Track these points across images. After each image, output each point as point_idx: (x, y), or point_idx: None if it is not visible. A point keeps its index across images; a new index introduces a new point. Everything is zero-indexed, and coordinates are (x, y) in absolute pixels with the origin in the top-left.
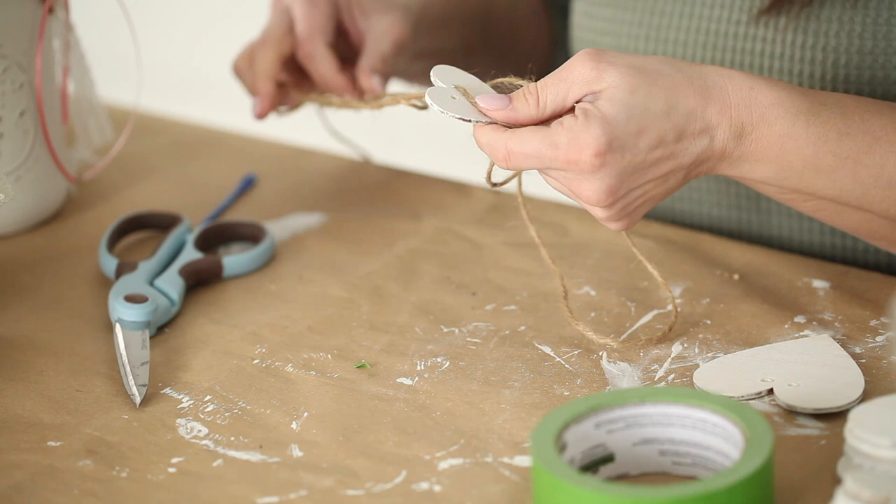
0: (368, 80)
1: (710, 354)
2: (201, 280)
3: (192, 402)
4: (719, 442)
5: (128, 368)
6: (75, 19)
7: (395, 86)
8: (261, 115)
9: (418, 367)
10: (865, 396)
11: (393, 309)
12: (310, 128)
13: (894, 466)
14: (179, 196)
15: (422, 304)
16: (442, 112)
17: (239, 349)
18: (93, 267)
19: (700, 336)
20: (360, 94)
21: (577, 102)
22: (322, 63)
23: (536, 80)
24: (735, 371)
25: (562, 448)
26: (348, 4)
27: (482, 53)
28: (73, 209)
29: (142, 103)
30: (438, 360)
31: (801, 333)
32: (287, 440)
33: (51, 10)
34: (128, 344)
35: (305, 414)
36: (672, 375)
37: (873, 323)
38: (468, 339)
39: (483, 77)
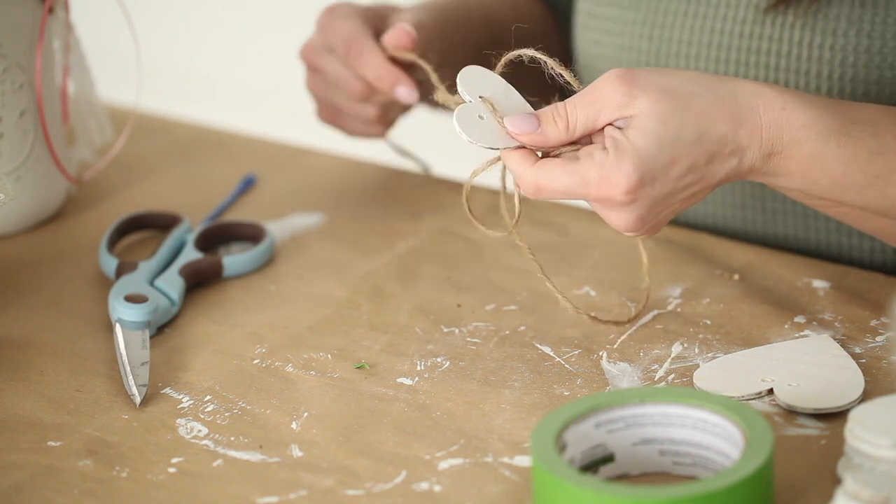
0: (398, 32)
1: (710, 354)
2: (201, 280)
3: (192, 402)
4: (719, 442)
5: (128, 368)
6: (75, 19)
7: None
8: (411, 98)
9: (418, 367)
10: (865, 396)
11: (393, 309)
12: (310, 128)
13: (894, 466)
14: (179, 196)
15: (422, 304)
16: (470, 142)
17: (239, 349)
18: (93, 267)
19: (700, 336)
20: (413, 82)
21: (606, 125)
22: (372, 56)
23: (547, 60)
24: (735, 371)
25: (562, 448)
26: (375, 14)
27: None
28: (73, 209)
29: (142, 103)
30: (438, 360)
31: (801, 333)
32: (287, 440)
33: (51, 10)
34: (128, 344)
35: (305, 414)
36: (672, 375)
37: (873, 323)
38: (468, 339)
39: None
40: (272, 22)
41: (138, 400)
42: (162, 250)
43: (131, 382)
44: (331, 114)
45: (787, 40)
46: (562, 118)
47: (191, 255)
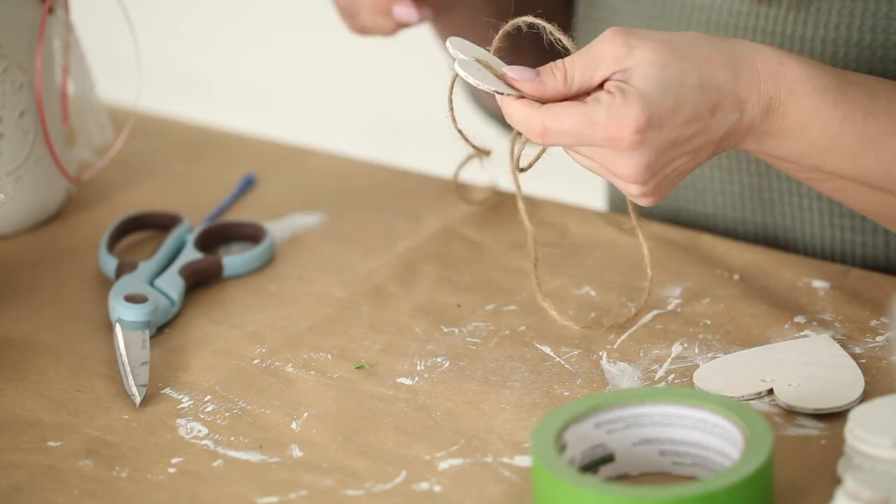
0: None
1: (710, 354)
2: (201, 280)
3: (192, 402)
4: (719, 442)
5: (128, 368)
6: (75, 19)
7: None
8: (410, 14)
9: (418, 367)
10: (865, 396)
11: (393, 309)
12: (310, 128)
13: (894, 466)
14: (179, 196)
15: (422, 304)
16: (478, 84)
17: (239, 349)
18: (93, 267)
19: (700, 336)
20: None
21: (604, 81)
22: None
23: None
24: (735, 371)
25: (562, 448)
26: None
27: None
28: (73, 209)
29: (142, 103)
30: (438, 360)
31: (801, 333)
32: (287, 440)
33: (51, 10)
34: (128, 344)
35: (305, 414)
36: (672, 375)
37: (873, 323)
38: (468, 339)
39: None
40: (272, 22)
41: (138, 400)
42: (162, 250)
43: (131, 382)
44: (356, 26)
45: (780, 34)
46: (560, 70)
47: (191, 255)
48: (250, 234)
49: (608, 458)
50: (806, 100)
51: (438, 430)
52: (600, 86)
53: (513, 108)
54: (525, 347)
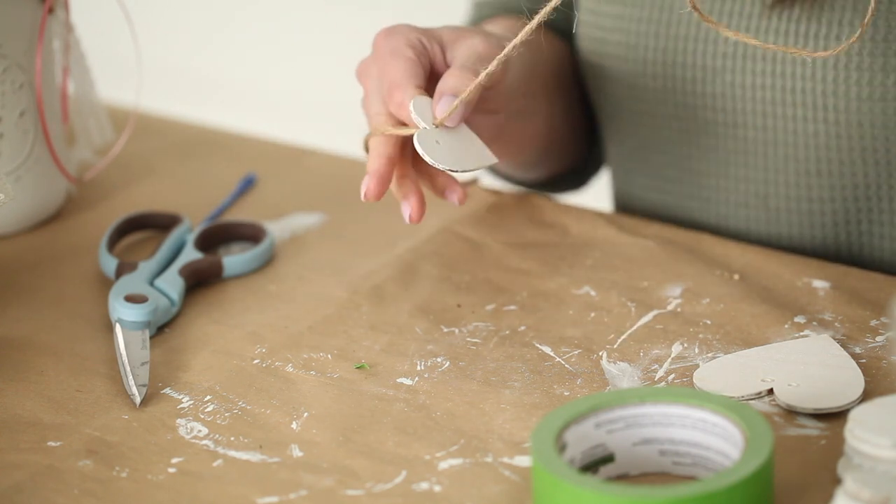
0: (449, 78)
1: (710, 354)
2: (201, 280)
3: (192, 402)
4: (719, 442)
5: (128, 368)
6: (75, 19)
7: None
8: (368, 196)
9: (418, 367)
10: (865, 396)
11: (393, 309)
12: (310, 128)
13: (894, 466)
14: (179, 196)
15: (422, 304)
16: (434, 164)
17: (239, 349)
18: (93, 267)
19: (700, 336)
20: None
21: None
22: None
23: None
24: (735, 371)
25: (562, 448)
26: (432, 44)
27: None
28: (73, 209)
29: (142, 103)
30: (438, 360)
31: (801, 333)
32: (287, 440)
33: (51, 10)
34: (128, 344)
35: (305, 414)
36: (672, 375)
37: (873, 323)
38: (468, 339)
39: None
40: (273, 22)
41: (138, 400)
42: (162, 250)
43: (131, 382)
44: None
45: (794, 33)
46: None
47: (191, 255)
48: (250, 234)
49: (608, 458)
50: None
51: (438, 430)
52: None
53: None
54: (525, 347)
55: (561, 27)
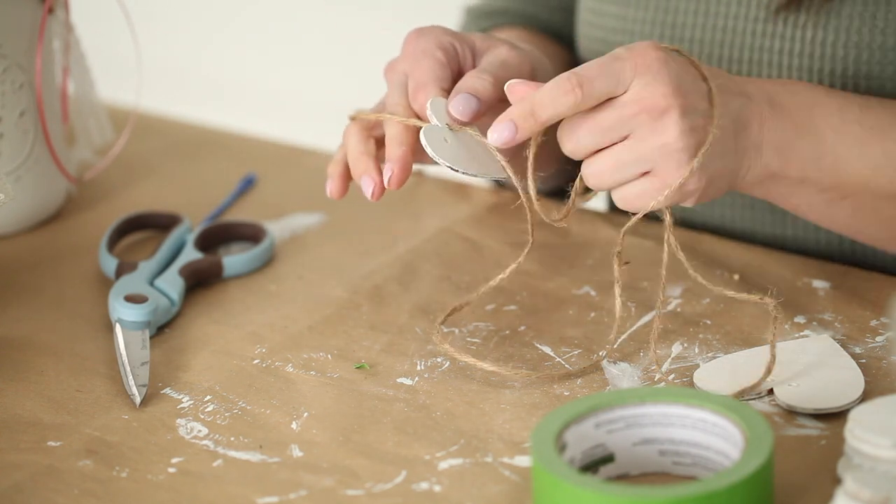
0: (468, 78)
1: (710, 354)
2: (201, 280)
3: (192, 402)
4: (719, 442)
5: (128, 368)
6: (75, 19)
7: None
8: (392, 183)
9: (418, 367)
10: (865, 396)
11: (393, 309)
12: (310, 128)
13: (894, 466)
14: (179, 196)
15: (422, 304)
16: (438, 161)
17: (239, 349)
18: (93, 267)
19: (700, 336)
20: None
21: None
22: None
23: None
24: (735, 371)
25: (562, 448)
26: (464, 48)
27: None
28: (73, 209)
29: (142, 103)
30: (438, 360)
31: (801, 333)
32: (287, 440)
33: (51, 10)
34: (128, 344)
35: (305, 414)
36: (672, 375)
37: (873, 323)
38: (468, 339)
39: None
40: (273, 22)
41: (138, 400)
42: (162, 250)
43: (131, 382)
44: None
45: (800, 39)
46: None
47: (191, 255)
48: (250, 234)
49: (608, 458)
50: (802, 92)
51: (438, 430)
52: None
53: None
54: (525, 347)
55: (563, 32)
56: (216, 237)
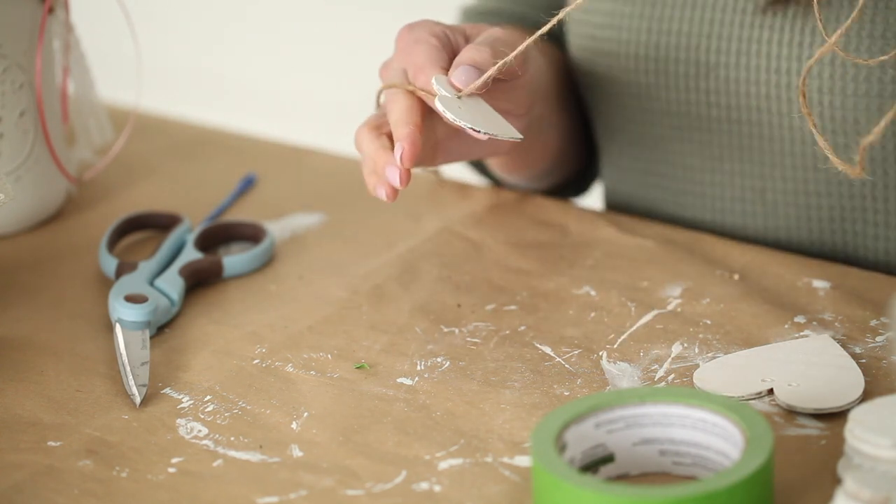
0: (466, 51)
1: (710, 354)
2: (201, 280)
3: (192, 402)
4: (719, 442)
5: (128, 368)
6: (75, 19)
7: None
8: (404, 159)
9: (418, 367)
10: (865, 396)
11: (393, 309)
12: (310, 128)
13: (894, 466)
14: (179, 196)
15: (422, 304)
16: (455, 121)
17: (239, 349)
18: (93, 267)
19: (700, 336)
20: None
21: None
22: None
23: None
24: (735, 371)
25: (562, 448)
26: (456, 35)
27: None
28: (73, 209)
29: (142, 103)
30: (438, 360)
31: (801, 333)
32: (287, 440)
33: (51, 10)
34: (128, 344)
35: (305, 414)
36: (672, 375)
37: (873, 323)
38: (468, 339)
39: None
40: (273, 22)
41: (138, 400)
42: (162, 250)
43: (131, 382)
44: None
45: (790, 29)
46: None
47: (191, 255)
48: (250, 234)
49: (608, 458)
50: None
51: (438, 430)
52: None
53: None
54: (525, 347)
55: (554, 32)
56: (216, 237)
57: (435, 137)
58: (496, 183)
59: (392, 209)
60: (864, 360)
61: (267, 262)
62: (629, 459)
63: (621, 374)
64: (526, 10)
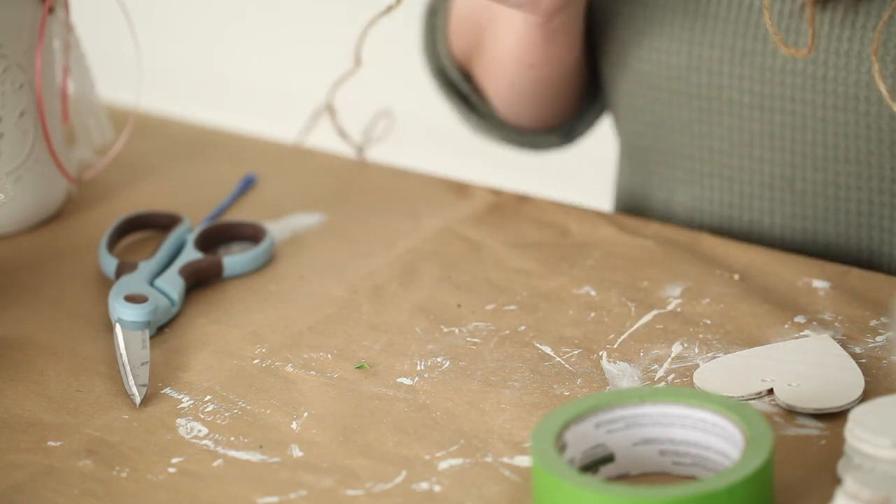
0: None
1: (710, 354)
2: (201, 280)
3: (192, 402)
4: (719, 442)
5: (128, 368)
6: (75, 19)
7: None
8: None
9: (418, 367)
10: (865, 396)
11: (393, 309)
12: (310, 128)
13: (894, 466)
14: (179, 196)
15: (422, 304)
16: None
17: (239, 349)
18: (93, 267)
19: (700, 336)
20: None
21: None
22: None
23: None
24: (735, 371)
25: (562, 448)
26: None
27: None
28: (73, 209)
29: (142, 103)
30: (438, 360)
31: (801, 333)
32: (287, 440)
33: (51, 10)
34: (128, 344)
35: (305, 414)
36: (672, 375)
37: (873, 323)
38: (468, 339)
39: None
40: (273, 22)
41: (138, 400)
42: (162, 250)
43: (131, 382)
44: None
45: (829, 21)
46: None
47: (191, 255)
48: (250, 234)
49: (608, 458)
50: None
51: (438, 430)
52: None
53: None
54: (525, 347)
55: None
56: (216, 237)
57: None
58: (483, 117)
59: (392, 209)
60: (864, 360)
61: (267, 262)
62: (629, 459)
63: (621, 374)
64: None
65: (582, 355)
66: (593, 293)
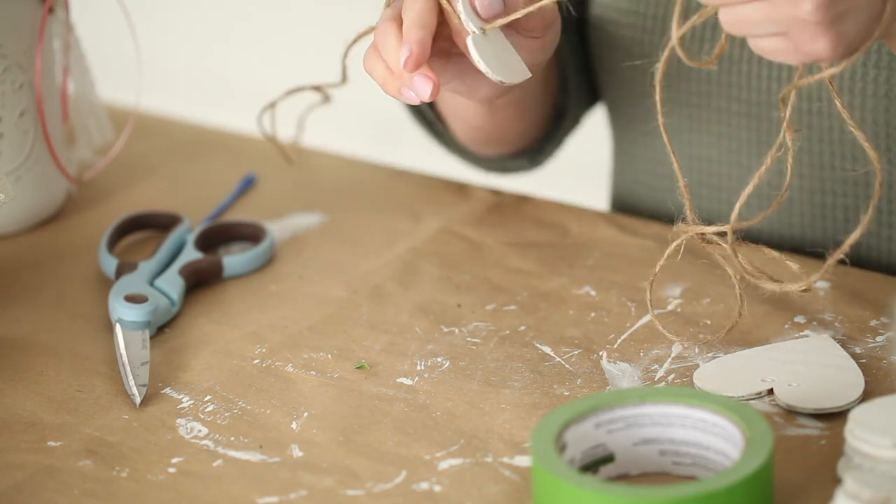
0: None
1: (710, 354)
2: (201, 280)
3: (192, 402)
4: (719, 442)
5: (128, 368)
6: (75, 19)
7: None
8: (408, 64)
9: (418, 367)
10: (865, 396)
11: (393, 309)
12: (310, 128)
13: (894, 466)
14: (179, 196)
15: (422, 304)
16: (489, 73)
17: (239, 349)
18: (93, 267)
19: (700, 336)
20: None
21: None
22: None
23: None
24: (735, 371)
25: (562, 448)
26: None
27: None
28: (73, 209)
29: (142, 103)
30: (438, 360)
31: (801, 333)
32: (287, 440)
33: (51, 10)
34: (128, 344)
35: (305, 414)
36: (672, 375)
37: (873, 323)
38: (468, 339)
39: None
40: (273, 22)
41: (138, 400)
42: (162, 250)
43: (131, 382)
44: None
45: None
46: None
47: (191, 255)
48: (250, 234)
49: (608, 458)
50: None
51: (438, 430)
52: None
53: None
54: (525, 347)
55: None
56: (216, 237)
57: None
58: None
59: (392, 209)
60: (864, 360)
61: (267, 262)
62: (629, 459)
63: (621, 374)
64: None
65: (582, 355)
66: (593, 293)
